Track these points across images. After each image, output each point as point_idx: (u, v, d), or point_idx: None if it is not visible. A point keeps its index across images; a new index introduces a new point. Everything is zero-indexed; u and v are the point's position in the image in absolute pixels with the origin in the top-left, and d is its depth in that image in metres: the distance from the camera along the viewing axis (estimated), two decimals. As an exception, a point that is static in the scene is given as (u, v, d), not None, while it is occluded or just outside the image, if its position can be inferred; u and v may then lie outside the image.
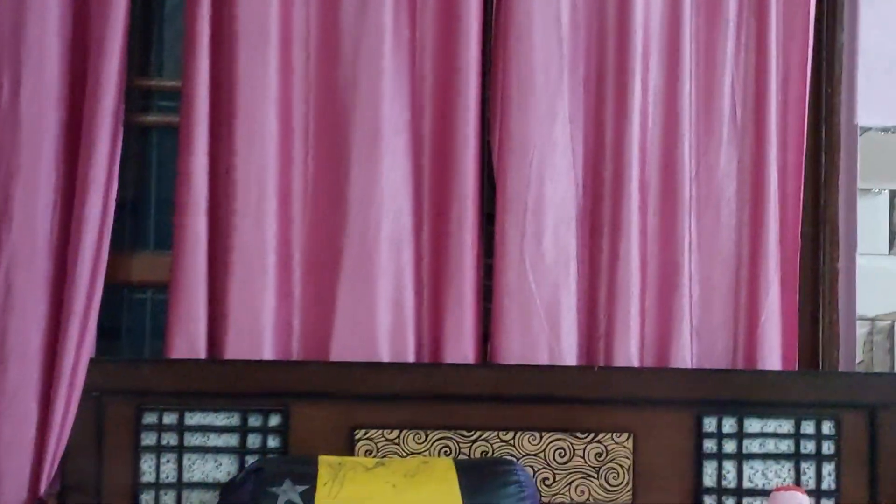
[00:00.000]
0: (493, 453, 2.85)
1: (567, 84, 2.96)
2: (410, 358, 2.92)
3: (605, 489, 2.86)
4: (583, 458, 2.86)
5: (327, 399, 2.84)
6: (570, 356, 2.94)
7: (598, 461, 2.87)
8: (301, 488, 2.57)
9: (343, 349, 2.89)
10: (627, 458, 2.87)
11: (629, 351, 2.93)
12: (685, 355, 2.97)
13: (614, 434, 2.87)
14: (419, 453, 2.83)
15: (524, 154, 2.93)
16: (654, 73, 2.99)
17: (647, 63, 2.97)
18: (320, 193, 2.93)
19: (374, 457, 2.80)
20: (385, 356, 2.89)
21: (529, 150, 2.93)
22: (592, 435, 2.87)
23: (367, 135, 2.90)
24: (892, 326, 3.01)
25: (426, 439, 2.85)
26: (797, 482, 2.87)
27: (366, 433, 2.84)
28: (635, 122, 2.94)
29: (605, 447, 2.87)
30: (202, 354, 2.87)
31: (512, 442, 2.86)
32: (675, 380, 2.94)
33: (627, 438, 2.87)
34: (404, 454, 2.83)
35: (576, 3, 2.97)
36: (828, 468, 2.89)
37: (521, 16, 2.93)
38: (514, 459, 2.81)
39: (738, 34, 3.02)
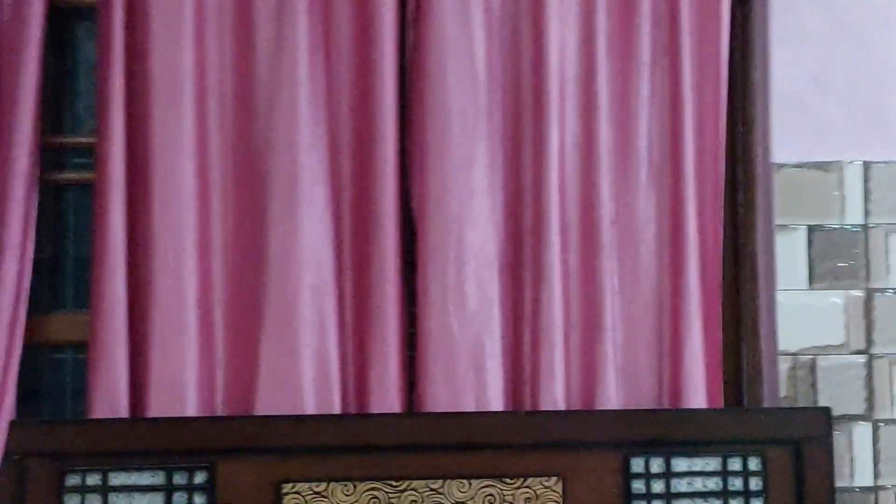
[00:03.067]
0: (422, 502, 2.83)
1: (484, 130, 2.97)
2: (336, 409, 2.90)
3: (535, 534, 2.86)
4: (512, 503, 2.85)
5: (253, 454, 2.82)
6: (496, 402, 2.93)
7: (528, 506, 2.87)
8: (227, 547, 2.54)
9: (267, 403, 2.87)
10: (557, 501, 2.86)
11: (555, 394, 2.94)
12: (611, 397, 2.97)
13: (543, 478, 2.87)
14: (347, 506, 2.82)
15: (444, 201, 2.93)
16: (570, 117, 3.01)
17: (563, 107, 2.99)
18: (240, 247, 2.92)
19: (302, 511, 2.78)
20: (310, 409, 2.87)
21: (449, 197, 2.93)
22: (521, 480, 2.86)
23: (286, 186, 2.90)
24: (814, 361, 3.03)
25: (355, 491, 2.83)
26: (726, 520, 2.88)
27: (293, 487, 2.81)
28: (553, 166, 2.96)
29: (535, 492, 2.87)
30: (124, 413, 2.83)
31: (441, 490, 2.85)
32: (602, 422, 2.94)
33: (556, 482, 2.87)
34: (332, 507, 2.81)
35: (490, 50, 2.98)
36: (756, 505, 2.91)
37: (436, 63, 2.94)
38: (443, 508, 2.80)
39: (653, 77, 3.05)
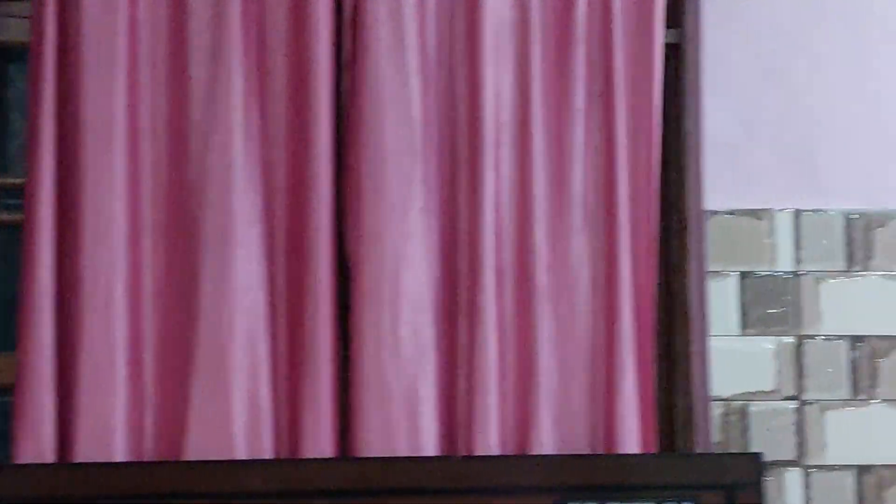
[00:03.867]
0: (354, 549, 2.80)
1: (420, 174, 2.96)
2: (268, 454, 2.86)
3: (469, 581, 2.83)
4: (446, 550, 2.83)
5: (183, 499, 2.77)
6: (429, 446, 2.91)
7: (462, 553, 2.84)
8: None
9: (198, 449, 2.83)
10: (491, 548, 2.85)
11: (489, 439, 2.92)
12: (545, 441, 2.97)
13: (477, 524, 2.85)
14: (279, 552, 2.77)
15: (379, 244, 2.92)
16: (506, 162, 3.02)
17: (498, 152, 3.00)
18: (171, 290, 2.89)
19: (232, 558, 2.74)
20: (242, 454, 2.83)
21: (384, 241, 2.92)
22: (455, 526, 2.85)
23: (219, 229, 2.87)
24: (746, 407, 3.05)
25: (286, 538, 2.79)
26: (659, 566, 2.87)
27: (223, 534, 2.77)
28: (489, 210, 2.96)
29: (468, 538, 2.85)
30: (51, 458, 2.78)
31: (373, 537, 2.82)
32: (536, 466, 2.93)
33: (490, 528, 2.86)
34: (263, 554, 2.77)
35: (426, 94, 2.99)
36: (688, 551, 2.90)
37: (372, 107, 2.94)
38: (376, 555, 2.77)
39: (588, 123, 3.07)
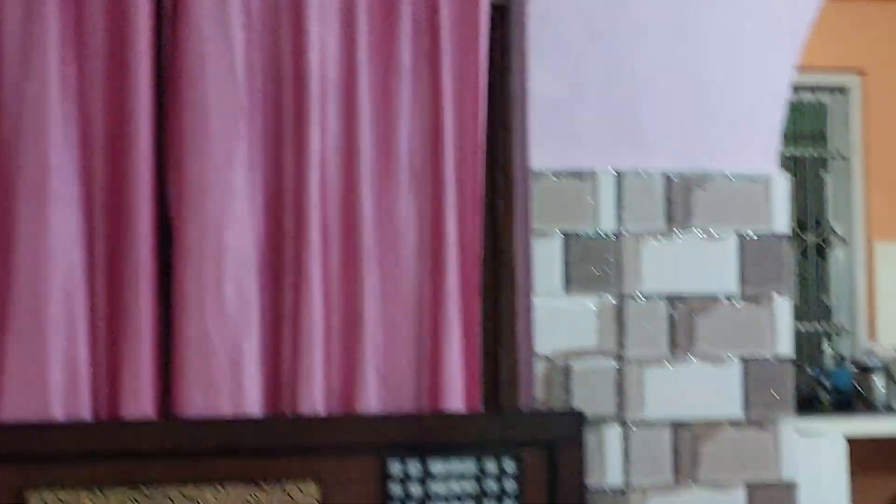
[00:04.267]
0: (175, 509, 2.77)
1: (245, 131, 2.93)
2: (86, 415, 2.81)
3: (292, 540, 2.82)
4: (268, 509, 2.82)
5: (-4, 462, 2.71)
6: (254, 406, 2.89)
7: (285, 512, 2.83)
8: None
9: (13, 408, 2.76)
10: (314, 507, 2.84)
11: (314, 398, 2.91)
12: (371, 400, 2.97)
13: (300, 483, 2.84)
14: (97, 514, 2.72)
15: (202, 201, 2.88)
16: (332, 120, 3.00)
17: (324, 110, 2.98)
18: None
19: (48, 520, 2.68)
20: (58, 414, 2.77)
21: (207, 197, 2.88)
22: (278, 485, 2.83)
23: (34, 186, 2.79)
24: (569, 365, 3.09)
25: (106, 499, 2.74)
26: (482, 522, 2.90)
27: (40, 496, 2.71)
28: (314, 168, 2.94)
29: (292, 497, 2.83)
30: None
31: (195, 496, 2.78)
32: (361, 425, 2.93)
33: (314, 487, 2.84)
34: (81, 515, 2.72)
35: (250, 51, 2.95)
36: (511, 506, 2.94)
37: (194, 63, 2.89)
38: (197, 514, 2.74)
39: (414, 82, 3.07)
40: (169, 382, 2.88)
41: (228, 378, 2.87)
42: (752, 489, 3.13)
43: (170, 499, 2.77)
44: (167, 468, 2.78)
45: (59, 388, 2.78)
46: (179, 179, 2.89)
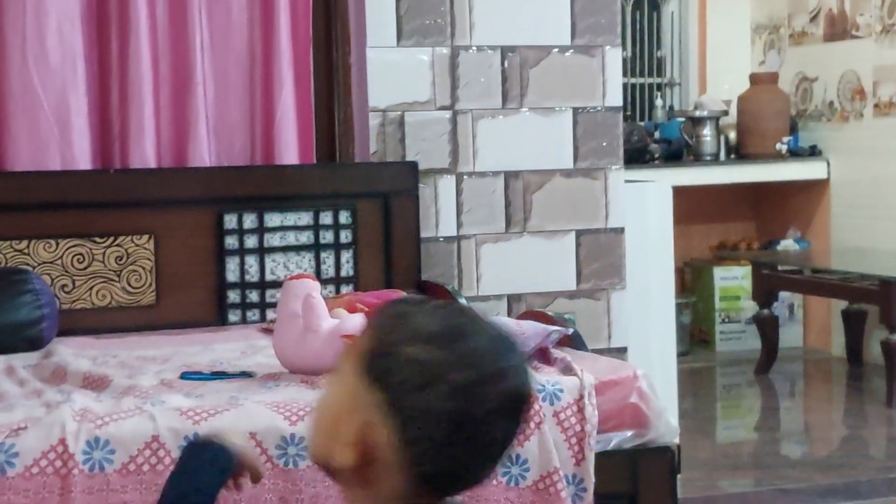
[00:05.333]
0: (6, 263, 2.74)
1: None
2: None
3: (128, 292, 2.83)
4: (102, 262, 2.81)
5: None
6: (83, 160, 2.85)
7: (119, 265, 2.83)
8: None
9: None
10: (149, 259, 2.84)
11: (145, 152, 2.88)
12: (203, 154, 2.95)
13: (134, 237, 2.84)
14: (-75, 269, 2.69)
15: (20, -51, 2.77)
16: None
17: None
18: None
19: None
20: None
21: (26, -55, 2.77)
22: (112, 239, 2.82)
23: None
24: (402, 117, 3.11)
25: (-67, 255, 2.71)
26: (317, 272, 2.94)
27: None
28: None
29: (126, 250, 2.83)
30: None
31: (26, 251, 2.76)
32: (194, 179, 2.93)
33: (148, 240, 2.85)
34: None
35: None
36: (346, 256, 2.98)
37: None
38: (30, 268, 2.72)
39: None
40: (-6, 137, 2.82)
41: (56, 132, 2.82)
42: (581, 235, 3.23)
43: (1, 253, 2.74)
44: (-4, 223, 2.75)
45: None
46: (-5, -75, 2.76)
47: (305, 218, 2.97)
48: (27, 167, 2.80)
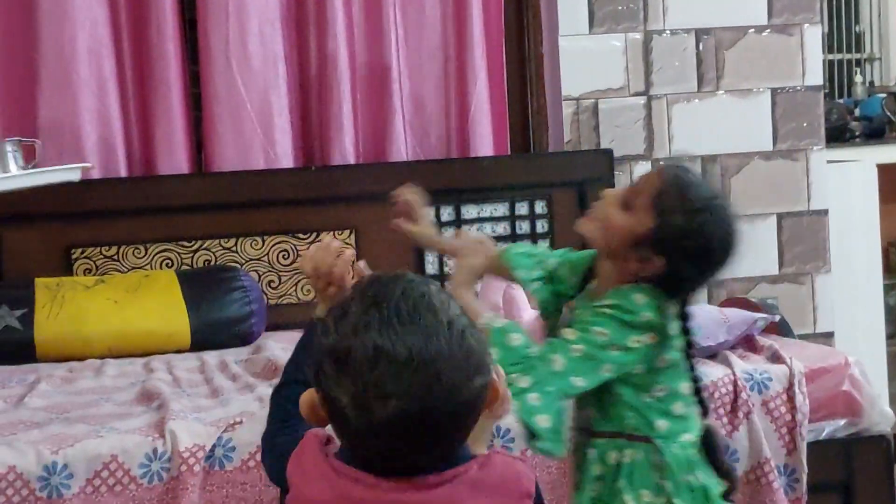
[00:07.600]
0: (215, 261, 2.83)
1: None
2: (122, 172, 2.85)
3: (331, 286, 2.88)
4: (306, 257, 2.86)
5: (39, 220, 2.76)
6: (285, 159, 2.92)
7: (322, 259, 2.87)
8: (19, 312, 2.51)
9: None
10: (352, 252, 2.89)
11: (345, 149, 2.94)
12: (401, 149, 2.99)
13: (336, 231, 2.89)
14: (140, 268, 2.79)
15: (222, -46, 2.84)
16: None
17: None
18: (10, 4, 2.78)
19: (94, 275, 2.75)
20: (95, 172, 2.80)
21: (228, -48, 2.84)
22: (314, 234, 2.88)
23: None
24: (596, 104, 3.09)
25: (146, 253, 2.81)
26: (515, 261, 2.94)
27: (83, 252, 2.78)
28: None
29: (329, 245, 2.88)
30: None
31: (234, 248, 2.85)
32: (392, 173, 2.95)
33: (349, 234, 2.90)
34: (125, 270, 2.78)
35: None
36: (542, 245, 2.98)
37: None
38: (238, 266, 2.80)
39: None
40: (201, 138, 2.91)
41: (259, 132, 2.89)
42: (783, 218, 3.16)
43: (209, 251, 2.83)
44: (205, 221, 2.83)
45: (94, 146, 2.81)
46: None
47: (501, 209, 2.98)
48: (234, 167, 2.88)
